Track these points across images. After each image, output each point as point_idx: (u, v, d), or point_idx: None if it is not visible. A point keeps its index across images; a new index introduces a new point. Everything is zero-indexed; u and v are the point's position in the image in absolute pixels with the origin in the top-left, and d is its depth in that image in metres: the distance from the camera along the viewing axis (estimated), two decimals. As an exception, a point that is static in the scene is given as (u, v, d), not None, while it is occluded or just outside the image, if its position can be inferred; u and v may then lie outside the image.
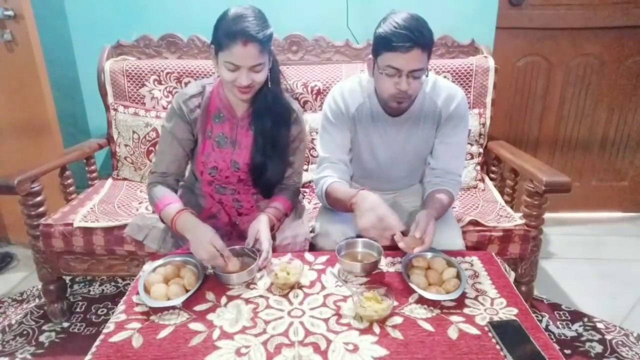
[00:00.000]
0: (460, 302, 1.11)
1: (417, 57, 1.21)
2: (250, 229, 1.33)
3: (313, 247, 1.46)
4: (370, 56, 1.31)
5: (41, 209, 1.68)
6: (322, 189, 1.42)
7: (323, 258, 1.32)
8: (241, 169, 1.41)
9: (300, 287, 1.18)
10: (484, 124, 1.97)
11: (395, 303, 1.08)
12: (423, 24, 1.22)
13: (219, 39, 1.22)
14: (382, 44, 1.23)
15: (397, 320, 1.05)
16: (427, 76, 1.29)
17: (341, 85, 1.45)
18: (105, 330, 1.03)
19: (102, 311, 1.88)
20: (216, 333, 1.01)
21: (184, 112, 1.35)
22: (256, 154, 1.40)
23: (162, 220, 1.35)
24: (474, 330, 1.02)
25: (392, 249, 1.25)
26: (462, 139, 1.45)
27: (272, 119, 1.37)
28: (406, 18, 1.21)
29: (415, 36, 1.18)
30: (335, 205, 1.41)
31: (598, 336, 1.72)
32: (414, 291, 1.13)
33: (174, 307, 1.09)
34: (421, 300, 1.11)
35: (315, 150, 1.59)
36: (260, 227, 1.31)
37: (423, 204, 1.43)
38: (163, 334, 1.02)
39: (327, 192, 1.40)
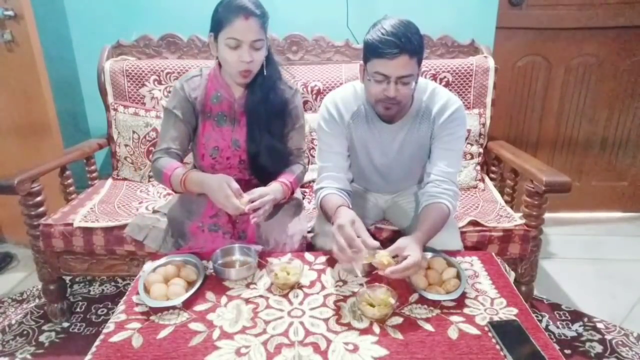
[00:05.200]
0: (460, 302, 1.11)
1: (405, 64, 1.20)
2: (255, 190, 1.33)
3: (312, 247, 1.46)
4: (361, 62, 1.31)
5: (41, 209, 1.68)
6: (318, 201, 1.42)
7: (323, 258, 1.32)
8: (241, 147, 1.43)
9: (300, 287, 1.18)
10: (484, 124, 1.97)
11: (397, 303, 1.08)
12: (412, 30, 1.20)
13: (220, 19, 1.29)
14: (370, 51, 1.23)
15: (397, 320, 1.05)
16: (416, 82, 1.28)
17: (333, 95, 1.44)
18: (105, 330, 1.03)
19: (102, 311, 1.88)
20: (216, 333, 1.02)
21: (186, 91, 1.41)
22: (251, 142, 1.42)
23: (173, 189, 1.39)
24: (474, 330, 1.02)
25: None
26: (457, 147, 1.43)
27: (266, 108, 1.40)
28: (395, 24, 1.20)
29: (402, 42, 1.17)
30: (326, 217, 1.39)
31: (598, 336, 1.72)
32: (414, 291, 1.14)
33: (174, 307, 1.10)
34: (421, 300, 1.12)
35: (315, 151, 1.58)
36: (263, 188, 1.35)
37: (416, 220, 1.38)
38: (163, 334, 1.02)
39: (321, 204, 1.40)
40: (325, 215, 1.38)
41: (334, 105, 1.41)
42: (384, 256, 1.13)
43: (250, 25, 1.27)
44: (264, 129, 1.41)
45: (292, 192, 1.49)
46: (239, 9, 1.26)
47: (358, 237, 1.14)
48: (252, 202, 1.27)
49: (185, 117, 1.42)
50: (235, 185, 1.26)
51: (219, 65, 1.41)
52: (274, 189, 1.38)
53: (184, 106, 1.42)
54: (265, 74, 1.38)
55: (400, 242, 1.17)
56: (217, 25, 1.30)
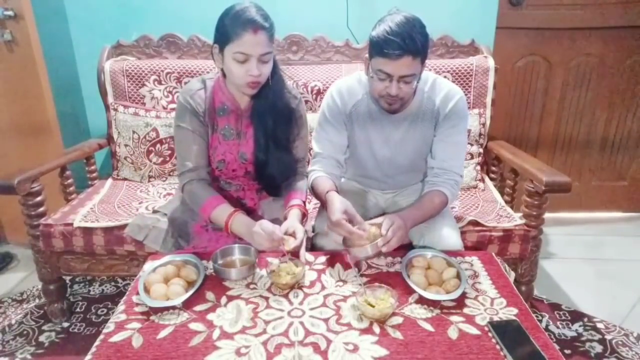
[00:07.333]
0: (460, 302, 1.10)
1: (408, 64, 1.21)
2: (284, 224, 1.30)
3: (312, 247, 1.46)
4: (367, 55, 1.31)
5: (41, 209, 1.68)
6: (309, 182, 1.45)
7: (323, 258, 1.32)
8: (248, 160, 1.42)
9: (300, 287, 1.18)
10: (484, 124, 1.97)
11: (397, 303, 1.08)
12: (417, 29, 1.20)
13: (227, 32, 1.23)
14: (374, 48, 1.24)
15: (397, 320, 1.05)
16: (418, 81, 1.30)
17: (340, 83, 1.46)
18: (105, 330, 1.03)
19: (102, 311, 1.88)
20: (216, 333, 1.01)
21: (194, 106, 1.36)
22: (258, 152, 1.41)
23: (211, 221, 1.36)
24: (474, 330, 1.02)
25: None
26: (461, 139, 1.45)
27: (273, 117, 1.38)
28: (400, 23, 1.19)
29: (406, 43, 1.17)
30: (317, 199, 1.45)
31: (598, 336, 1.72)
32: (414, 291, 1.13)
33: (174, 307, 1.09)
34: (421, 300, 1.11)
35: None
36: (293, 220, 1.32)
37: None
38: (163, 334, 1.02)
39: (312, 185, 1.43)
40: (316, 196, 1.44)
41: (338, 93, 1.44)
42: (371, 230, 1.24)
43: (259, 39, 1.22)
44: (270, 138, 1.40)
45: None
46: (248, 22, 1.21)
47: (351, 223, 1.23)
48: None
49: (201, 131, 1.39)
50: (278, 235, 1.21)
51: (223, 75, 1.37)
52: (297, 218, 1.34)
53: (195, 121, 1.37)
54: (270, 83, 1.35)
55: (381, 218, 1.27)
56: (223, 38, 1.24)
